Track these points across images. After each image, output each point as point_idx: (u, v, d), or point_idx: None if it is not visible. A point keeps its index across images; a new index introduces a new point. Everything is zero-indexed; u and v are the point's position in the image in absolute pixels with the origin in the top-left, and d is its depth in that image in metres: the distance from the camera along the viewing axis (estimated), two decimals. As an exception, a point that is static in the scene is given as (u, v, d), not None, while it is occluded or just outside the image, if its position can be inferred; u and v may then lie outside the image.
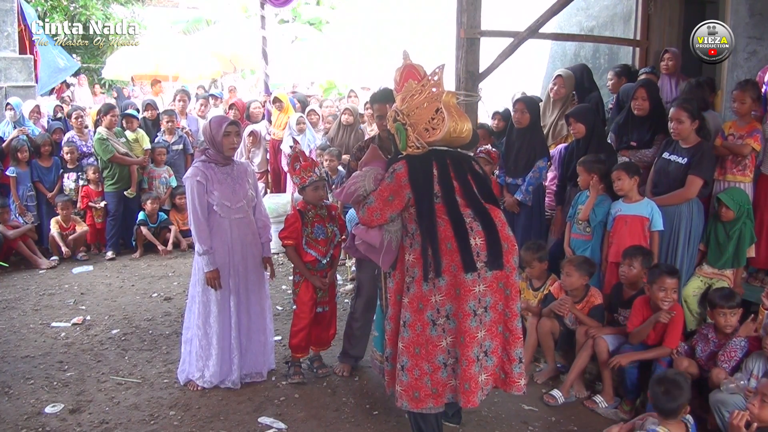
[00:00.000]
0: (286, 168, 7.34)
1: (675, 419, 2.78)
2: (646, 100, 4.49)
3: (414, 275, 2.95)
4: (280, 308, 5.36)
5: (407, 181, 2.93)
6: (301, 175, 3.82)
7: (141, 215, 7.10)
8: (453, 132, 2.94)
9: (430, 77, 2.99)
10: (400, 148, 3.03)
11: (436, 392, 2.95)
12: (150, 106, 8.16)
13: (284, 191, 7.91)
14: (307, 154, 7.20)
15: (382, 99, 3.68)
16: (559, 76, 5.60)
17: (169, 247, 7.17)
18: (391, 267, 3.11)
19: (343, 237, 3.99)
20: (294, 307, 3.97)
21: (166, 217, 7.34)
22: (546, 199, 5.04)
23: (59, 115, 8.37)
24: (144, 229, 7.05)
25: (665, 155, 4.18)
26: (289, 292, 5.30)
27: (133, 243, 7.18)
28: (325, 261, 3.90)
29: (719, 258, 4.08)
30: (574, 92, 5.65)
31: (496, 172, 5.18)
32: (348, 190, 3.12)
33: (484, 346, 2.93)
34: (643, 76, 5.44)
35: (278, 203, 7.16)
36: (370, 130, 7.41)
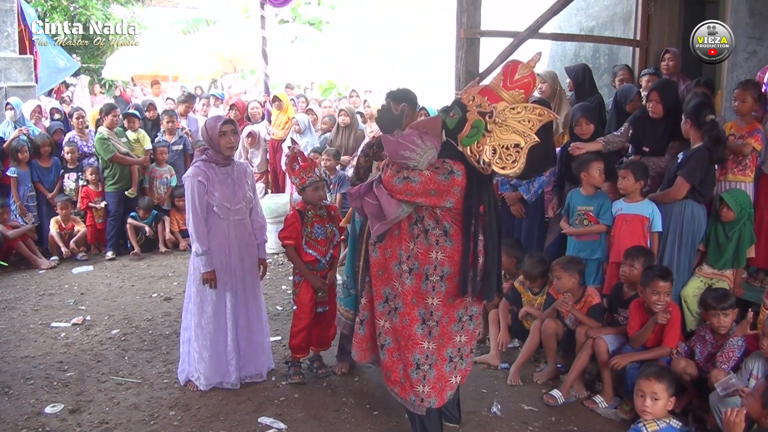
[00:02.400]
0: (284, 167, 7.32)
1: None
2: (659, 103, 4.44)
3: (414, 267, 2.95)
4: (280, 308, 5.36)
5: (458, 192, 2.83)
6: (301, 176, 3.82)
7: (132, 214, 7.11)
8: (515, 174, 2.86)
9: (536, 110, 2.82)
10: (462, 140, 2.85)
11: (402, 384, 3.05)
12: (152, 105, 8.18)
13: (284, 191, 7.90)
14: (306, 154, 7.22)
15: (398, 98, 3.67)
16: (537, 75, 5.56)
17: (167, 234, 7.17)
18: (378, 239, 3.02)
19: (343, 237, 4.00)
20: (294, 307, 3.97)
21: (156, 212, 7.31)
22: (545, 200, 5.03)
23: (56, 116, 8.34)
24: (132, 221, 7.04)
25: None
26: (289, 292, 5.30)
27: (129, 245, 7.15)
28: (324, 261, 3.90)
29: (719, 259, 4.08)
30: (571, 91, 5.64)
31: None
32: (401, 149, 2.83)
33: (462, 350, 3.09)
34: (645, 77, 5.43)
35: (278, 203, 7.16)
36: (370, 131, 7.39)
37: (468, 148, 2.82)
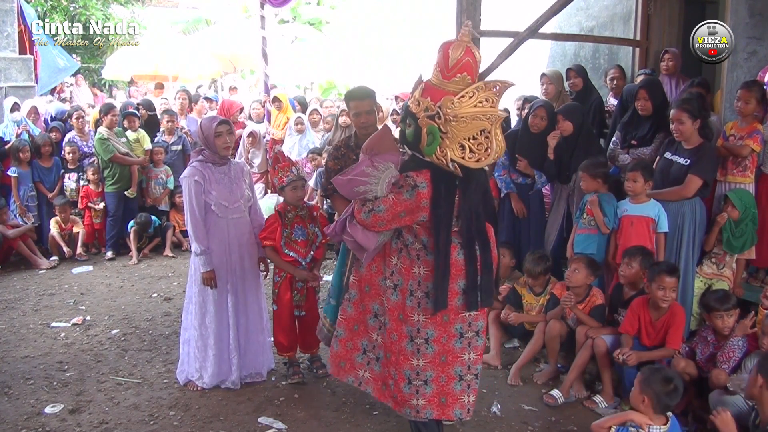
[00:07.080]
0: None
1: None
2: (648, 100, 4.47)
3: (398, 283, 2.87)
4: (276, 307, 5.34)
5: (427, 204, 2.69)
6: (279, 175, 3.80)
7: (131, 223, 7.01)
8: (495, 159, 2.68)
9: (489, 86, 2.62)
10: (425, 150, 2.67)
11: (395, 398, 2.98)
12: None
13: (284, 191, 7.89)
14: (305, 155, 7.22)
15: (358, 96, 3.63)
16: (543, 75, 5.59)
17: (167, 252, 7.09)
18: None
19: (326, 239, 3.96)
20: (274, 307, 3.94)
21: (159, 222, 7.28)
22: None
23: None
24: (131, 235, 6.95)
25: (667, 155, 4.16)
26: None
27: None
28: (305, 263, 3.85)
29: (734, 249, 4.09)
30: (570, 90, 5.64)
31: (495, 173, 5.10)
32: (355, 186, 2.77)
33: (473, 369, 2.95)
34: (640, 77, 5.43)
35: (277, 204, 7.15)
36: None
37: (433, 156, 2.65)
